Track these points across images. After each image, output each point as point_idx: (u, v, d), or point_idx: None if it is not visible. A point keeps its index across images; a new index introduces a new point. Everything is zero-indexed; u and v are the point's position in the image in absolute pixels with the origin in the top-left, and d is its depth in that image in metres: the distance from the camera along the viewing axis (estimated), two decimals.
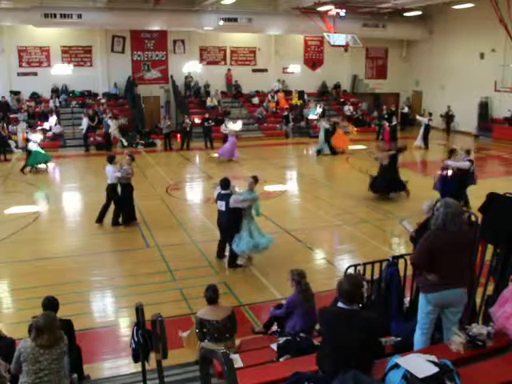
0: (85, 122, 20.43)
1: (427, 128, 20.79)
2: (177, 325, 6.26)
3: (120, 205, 10.75)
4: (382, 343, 4.36)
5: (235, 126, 18.66)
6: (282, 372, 3.93)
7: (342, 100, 27.06)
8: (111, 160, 10.59)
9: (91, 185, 15.44)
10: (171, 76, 24.69)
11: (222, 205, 8.40)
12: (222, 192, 8.42)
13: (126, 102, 23.85)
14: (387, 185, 12.48)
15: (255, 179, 8.68)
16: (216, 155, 18.38)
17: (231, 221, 8.38)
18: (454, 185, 10.84)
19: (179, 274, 8.28)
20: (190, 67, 24.96)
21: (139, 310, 4.73)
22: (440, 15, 24.78)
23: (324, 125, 19.69)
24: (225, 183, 8.42)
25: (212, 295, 5.40)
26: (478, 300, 4.98)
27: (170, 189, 14.19)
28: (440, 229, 4.20)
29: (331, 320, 3.72)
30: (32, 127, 19.15)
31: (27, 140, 16.96)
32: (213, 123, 21.33)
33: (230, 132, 18.17)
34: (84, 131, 20.55)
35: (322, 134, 19.65)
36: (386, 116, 22.66)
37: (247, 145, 21.47)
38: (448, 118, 25.35)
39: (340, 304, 3.65)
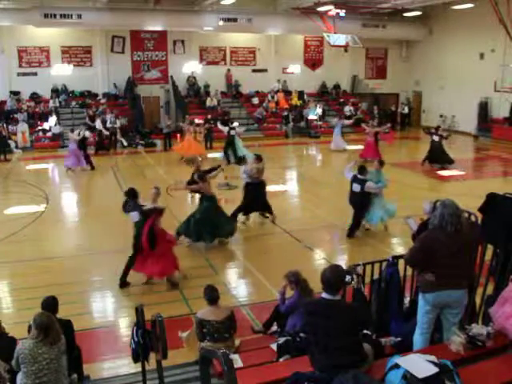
0: (98, 123, 20.35)
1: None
2: (177, 325, 6.26)
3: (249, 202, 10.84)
4: (372, 335, 4.39)
5: (73, 135, 17.02)
6: (282, 372, 3.93)
7: (342, 100, 27.06)
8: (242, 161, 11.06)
9: (91, 185, 15.48)
10: (171, 76, 24.67)
11: (356, 187, 9.67)
12: (359, 176, 9.61)
13: (125, 102, 23.83)
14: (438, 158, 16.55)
15: (381, 163, 10.21)
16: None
17: (364, 200, 9.75)
18: None
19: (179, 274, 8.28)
20: (191, 67, 24.95)
21: (139, 310, 4.73)
22: (440, 15, 24.77)
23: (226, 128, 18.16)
24: (361, 169, 9.69)
25: (212, 296, 5.41)
26: (478, 300, 4.98)
27: (169, 189, 14.18)
28: (436, 229, 4.20)
29: (314, 310, 3.84)
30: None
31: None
32: (213, 124, 21.36)
33: (71, 139, 16.99)
34: (105, 132, 20.42)
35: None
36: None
37: (247, 145, 21.44)
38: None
39: (323, 294, 3.78)
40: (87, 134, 17.65)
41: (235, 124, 19.13)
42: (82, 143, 16.86)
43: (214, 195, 9.66)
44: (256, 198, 10.70)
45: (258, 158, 10.87)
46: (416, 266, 4.46)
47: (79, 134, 16.81)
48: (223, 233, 9.63)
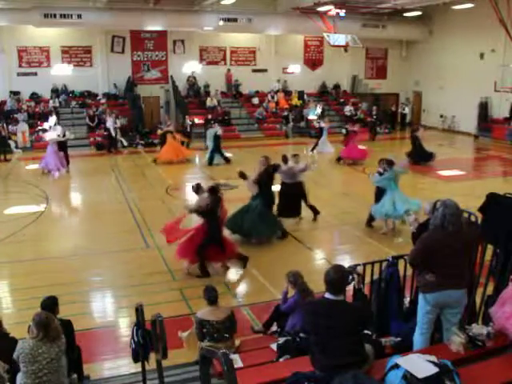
0: (109, 122, 20.35)
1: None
2: (177, 325, 6.27)
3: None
4: (373, 335, 4.39)
5: (54, 135, 16.25)
6: (282, 372, 3.93)
7: (342, 100, 27.05)
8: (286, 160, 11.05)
9: (91, 185, 15.45)
10: (171, 76, 24.67)
11: None
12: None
13: (125, 102, 23.83)
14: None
15: (390, 161, 10.13)
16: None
17: (376, 191, 10.30)
18: None
19: (179, 274, 8.29)
20: (191, 67, 24.94)
21: (139, 310, 4.73)
22: (440, 15, 24.77)
23: (215, 130, 17.98)
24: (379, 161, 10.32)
25: (211, 296, 5.42)
26: (478, 300, 4.98)
27: (169, 189, 14.19)
28: (438, 229, 4.20)
29: (316, 310, 3.82)
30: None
31: None
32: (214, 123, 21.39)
33: (51, 140, 16.09)
34: (113, 133, 20.35)
35: (211, 141, 17.85)
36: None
37: (247, 145, 21.47)
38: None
39: (326, 295, 3.75)
40: (73, 135, 17.58)
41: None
42: (64, 144, 16.62)
43: (256, 193, 9.85)
44: (289, 199, 10.82)
45: (284, 160, 10.96)
46: (419, 266, 4.45)
47: (64, 135, 16.62)
48: (264, 232, 9.70)
